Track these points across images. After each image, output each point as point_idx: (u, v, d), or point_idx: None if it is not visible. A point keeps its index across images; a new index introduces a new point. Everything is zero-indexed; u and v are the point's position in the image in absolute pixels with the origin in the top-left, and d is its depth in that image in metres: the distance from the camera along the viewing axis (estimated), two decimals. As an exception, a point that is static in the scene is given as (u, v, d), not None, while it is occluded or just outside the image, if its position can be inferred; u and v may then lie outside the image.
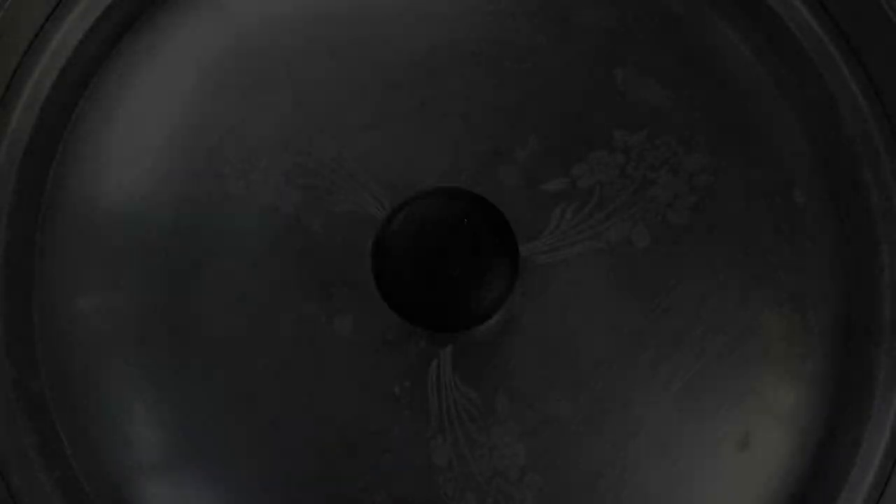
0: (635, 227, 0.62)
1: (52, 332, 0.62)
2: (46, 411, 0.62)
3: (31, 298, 0.62)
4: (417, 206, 0.57)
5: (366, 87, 0.62)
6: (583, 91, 0.63)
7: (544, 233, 0.61)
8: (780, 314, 0.63)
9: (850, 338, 0.65)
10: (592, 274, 0.61)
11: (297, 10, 0.63)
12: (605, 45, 0.63)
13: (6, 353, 0.62)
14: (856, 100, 0.65)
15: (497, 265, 0.58)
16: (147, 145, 0.62)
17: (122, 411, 0.61)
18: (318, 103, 0.61)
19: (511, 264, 0.58)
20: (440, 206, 0.57)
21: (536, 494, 0.60)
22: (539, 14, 0.63)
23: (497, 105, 0.62)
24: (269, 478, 0.59)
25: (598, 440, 0.61)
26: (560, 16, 0.63)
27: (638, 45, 0.63)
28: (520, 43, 0.63)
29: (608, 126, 0.62)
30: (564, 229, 0.61)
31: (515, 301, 0.61)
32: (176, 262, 0.60)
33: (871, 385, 0.66)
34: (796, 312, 0.64)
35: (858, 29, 0.65)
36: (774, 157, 0.64)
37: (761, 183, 0.63)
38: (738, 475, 0.63)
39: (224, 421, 0.60)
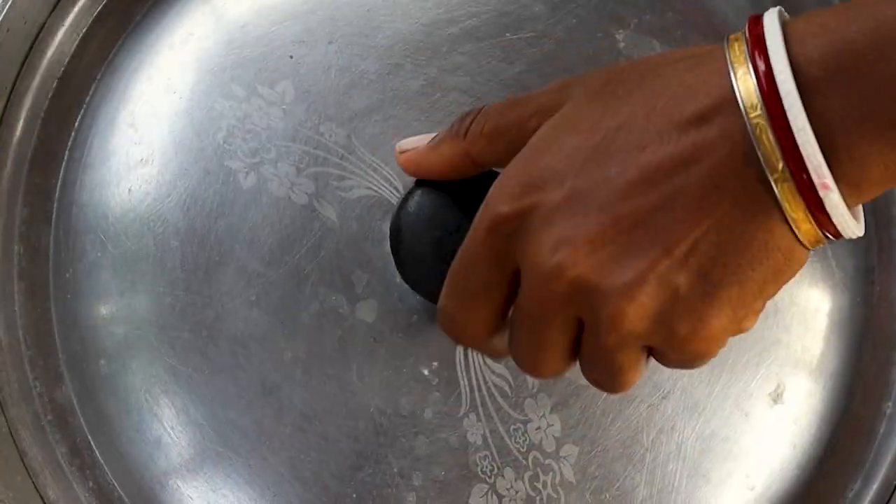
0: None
1: (74, 342, 0.61)
2: (75, 422, 0.62)
3: (49, 309, 0.62)
4: (431, 187, 0.57)
5: (368, 70, 0.61)
6: (586, 56, 0.63)
7: (561, 202, 0.60)
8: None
9: (872, 282, 0.65)
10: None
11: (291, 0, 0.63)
12: (606, 9, 0.63)
13: (30, 369, 0.61)
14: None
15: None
16: (154, 147, 0.61)
17: (151, 415, 0.60)
18: (322, 91, 0.61)
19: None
20: (454, 185, 0.56)
21: (574, 464, 0.60)
22: (537, -18, 0.63)
23: (501, 77, 0.62)
24: (304, 470, 0.59)
25: (631, 405, 0.61)
26: (558, -18, 0.63)
27: (638, 6, 0.63)
28: (520, 13, 0.62)
29: (615, 89, 0.62)
30: (581, 197, 0.61)
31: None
32: (193, 262, 0.60)
33: (894, 329, 0.66)
34: (819, 260, 0.64)
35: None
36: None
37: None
38: (774, 427, 0.63)
39: (254, 416, 0.59)
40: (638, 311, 0.46)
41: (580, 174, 0.46)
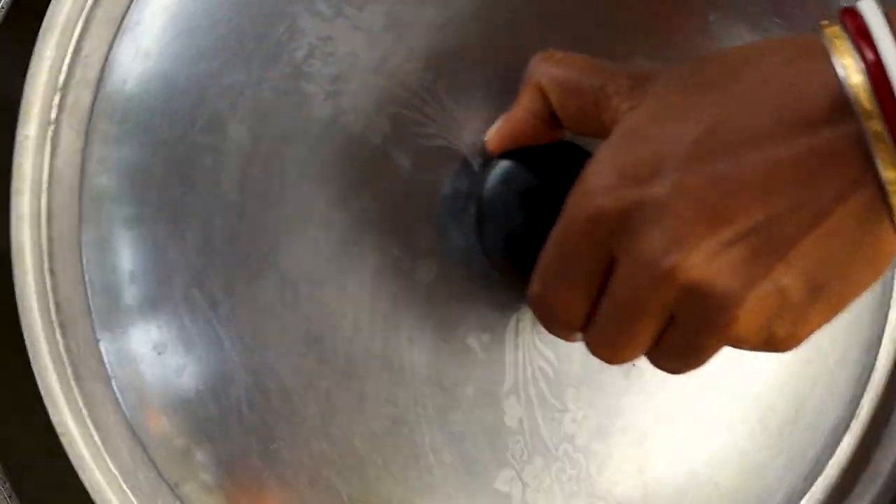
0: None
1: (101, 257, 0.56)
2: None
3: (79, 239, 0.55)
4: (527, 160, 0.53)
5: (466, 10, 0.57)
6: (678, 34, 0.60)
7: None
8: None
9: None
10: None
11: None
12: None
13: (52, 295, 0.55)
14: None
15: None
16: (225, 55, 0.55)
17: (180, 343, 0.55)
18: (413, 24, 0.56)
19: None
20: (549, 162, 0.53)
21: (600, 464, 0.58)
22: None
23: (593, 43, 0.58)
24: (335, 427, 0.55)
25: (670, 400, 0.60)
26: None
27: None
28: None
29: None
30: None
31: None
32: (253, 187, 0.55)
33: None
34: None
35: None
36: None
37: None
38: (788, 439, 0.64)
39: (294, 363, 0.55)
40: (749, 317, 0.45)
41: (685, 168, 0.45)
